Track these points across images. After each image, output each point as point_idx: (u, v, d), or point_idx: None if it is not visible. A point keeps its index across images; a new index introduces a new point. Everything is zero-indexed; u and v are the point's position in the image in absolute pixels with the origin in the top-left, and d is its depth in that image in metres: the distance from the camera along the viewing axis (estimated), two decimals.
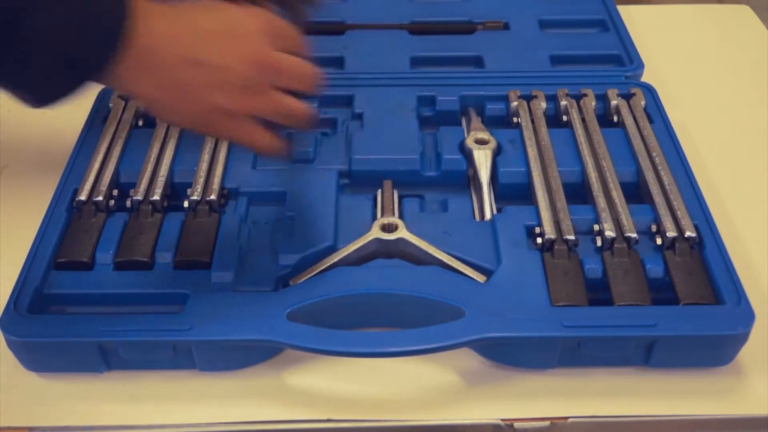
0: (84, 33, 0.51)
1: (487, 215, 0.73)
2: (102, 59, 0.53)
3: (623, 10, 1.01)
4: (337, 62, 0.92)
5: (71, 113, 0.84)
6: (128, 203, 0.72)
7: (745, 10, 1.09)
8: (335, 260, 0.67)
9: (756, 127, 0.89)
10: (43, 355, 0.63)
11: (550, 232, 0.68)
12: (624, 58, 0.92)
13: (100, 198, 0.72)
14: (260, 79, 0.58)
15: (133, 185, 0.73)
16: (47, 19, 0.50)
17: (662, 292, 0.66)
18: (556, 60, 0.92)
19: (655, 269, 0.66)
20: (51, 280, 0.66)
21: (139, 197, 0.72)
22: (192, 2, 0.58)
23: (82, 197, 0.72)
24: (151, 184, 0.73)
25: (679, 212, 0.69)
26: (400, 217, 0.72)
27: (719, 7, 1.11)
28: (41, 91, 0.53)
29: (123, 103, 0.83)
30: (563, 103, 0.83)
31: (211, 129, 0.60)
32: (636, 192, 0.75)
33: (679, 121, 0.83)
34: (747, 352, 0.64)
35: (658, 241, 0.68)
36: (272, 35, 0.59)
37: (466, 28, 0.98)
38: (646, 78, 0.89)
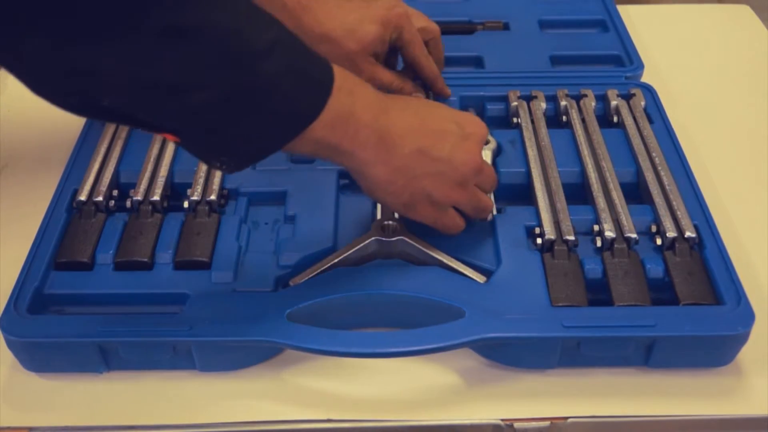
0: (302, 86, 0.54)
1: (487, 215, 0.73)
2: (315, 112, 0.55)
3: (623, 10, 1.01)
4: None
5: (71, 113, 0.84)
6: (128, 203, 0.72)
7: (745, 10, 1.09)
8: (335, 261, 0.67)
9: (756, 127, 0.89)
10: (43, 355, 0.63)
11: (550, 233, 0.68)
12: (624, 59, 0.92)
13: (100, 198, 0.72)
14: (473, 180, 0.65)
15: (133, 185, 0.73)
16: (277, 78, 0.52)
17: (662, 293, 0.66)
18: (556, 60, 0.92)
19: (654, 269, 0.66)
20: (51, 280, 0.66)
21: (139, 198, 0.72)
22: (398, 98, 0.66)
23: (82, 197, 0.72)
24: (151, 184, 0.73)
25: (678, 212, 0.69)
26: (400, 217, 0.72)
27: (719, 7, 1.11)
28: (252, 149, 0.55)
29: None
30: (563, 103, 0.83)
31: (417, 212, 0.65)
32: (636, 192, 0.75)
33: (679, 121, 0.83)
34: (747, 353, 0.64)
35: (658, 241, 0.68)
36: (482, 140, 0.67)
37: (466, 28, 0.98)
38: (646, 78, 0.89)
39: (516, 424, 0.61)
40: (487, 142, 0.78)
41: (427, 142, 0.61)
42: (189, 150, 0.55)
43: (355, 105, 0.57)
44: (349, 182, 0.76)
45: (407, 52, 0.79)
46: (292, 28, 0.54)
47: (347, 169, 0.61)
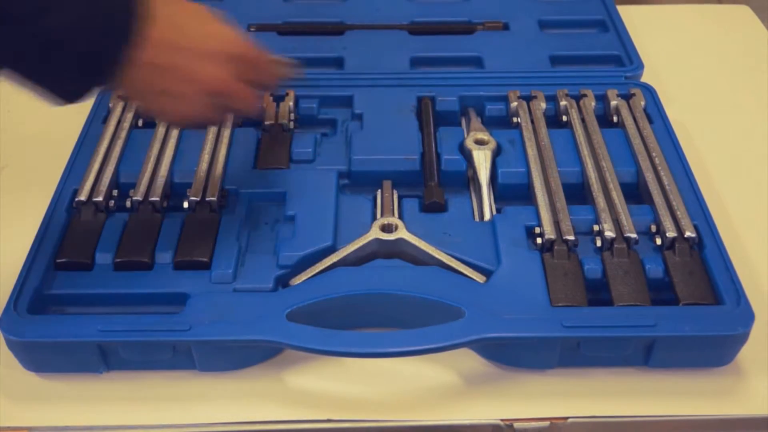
0: (97, 30, 0.57)
1: (487, 216, 0.73)
2: (115, 54, 0.58)
3: (623, 10, 1.01)
4: (337, 62, 0.92)
5: (71, 113, 0.84)
6: (128, 203, 0.72)
7: (745, 10, 1.09)
8: (335, 260, 0.67)
9: (756, 127, 0.89)
10: (42, 355, 0.63)
11: (549, 233, 0.68)
12: (624, 59, 0.92)
13: (100, 198, 0.72)
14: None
15: (133, 185, 0.73)
16: (65, 18, 0.55)
17: (662, 293, 0.66)
18: (555, 60, 0.92)
19: (654, 269, 0.66)
20: (51, 280, 0.66)
21: (139, 197, 0.72)
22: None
23: (82, 197, 0.72)
24: (150, 184, 0.73)
25: (678, 212, 0.69)
26: (400, 217, 0.72)
27: (719, 7, 1.11)
28: (63, 87, 0.58)
29: (123, 103, 0.83)
30: (563, 103, 0.83)
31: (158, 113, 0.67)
32: (636, 192, 0.75)
33: (679, 121, 0.83)
34: (747, 353, 0.64)
35: (658, 241, 0.68)
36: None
37: (466, 29, 0.98)
38: (645, 78, 0.89)
39: (516, 424, 0.61)
40: (486, 142, 0.78)
41: (170, 60, 0.61)
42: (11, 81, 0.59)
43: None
44: (348, 182, 0.77)
45: None
46: None
47: None
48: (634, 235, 0.68)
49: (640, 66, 0.90)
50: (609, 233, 0.68)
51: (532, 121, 0.81)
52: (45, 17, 0.54)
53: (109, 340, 0.62)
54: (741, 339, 0.62)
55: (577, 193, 0.74)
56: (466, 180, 0.78)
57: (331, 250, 0.69)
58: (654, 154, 0.76)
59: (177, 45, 0.61)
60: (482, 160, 0.77)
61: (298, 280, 0.67)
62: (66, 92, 0.59)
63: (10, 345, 0.63)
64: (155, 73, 0.61)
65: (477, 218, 0.73)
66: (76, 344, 0.62)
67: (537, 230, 0.69)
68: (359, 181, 0.76)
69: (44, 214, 0.71)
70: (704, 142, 0.85)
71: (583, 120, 0.81)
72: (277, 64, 0.70)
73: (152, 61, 0.60)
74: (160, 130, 0.79)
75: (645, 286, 0.65)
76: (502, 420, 0.61)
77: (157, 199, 0.72)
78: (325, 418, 0.62)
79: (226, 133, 0.79)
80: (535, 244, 0.68)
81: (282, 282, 0.67)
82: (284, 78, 0.71)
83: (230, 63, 0.64)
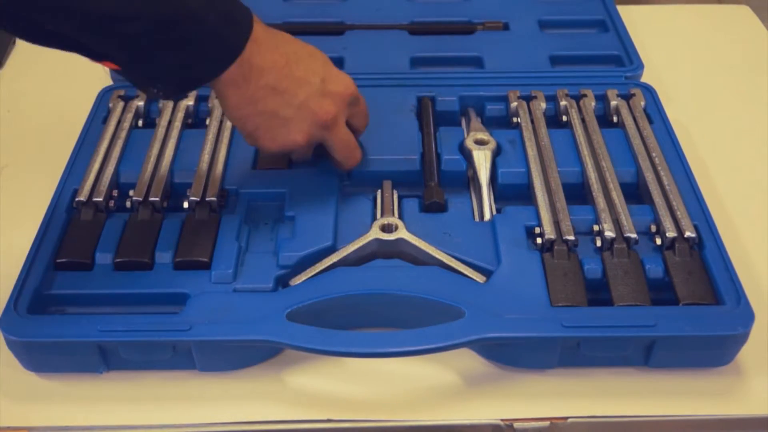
0: (227, 14, 0.61)
1: (487, 216, 0.73)
2: (239, 39, 0.62)
3: (623, 10, 1.01)
4: (337, 62, 0.92)
5: (71, 113, 0.85)
6: (128, 204, 0.72)
7: (745, 10, 1.09)
8: (335, 260, 0.67)
9: (756, 127, 0.89)
10: (42, 355, 0.63)
11: (549, 233, 0.68)
12: (624, 59, 0.92)
13: (100, 198, 0.72)
14: (318, 133, 0.69)
15: (133, 186, 0.73)
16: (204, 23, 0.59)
17: (662, 293, 0.66)
18: (555, 60, 0.92)
19: (654, 269, 0.66)
20: (51, 280, 0.66)
21: (139, 198, 0.72)
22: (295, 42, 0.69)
23: (82, 198, 0.72)
24: (150, 184, 0.73)
25: (678, 212, 0.69)
26: (400, 217, 0.72)
27: (719, 7, 1.11)
28: (181, 81, 0.62)
29: (123, 103, 0.83)
30: (563, 103, 0.83)
31: (259, 144, 0.70)
32: (636, 192, 0.75)
33: (679, 121, 0.83)
34: (747, 353, 0.64)
35: (658, 241, 0.68)
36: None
37: (466, 29, 0.98)
38: (645, 78, 0.89)
39: (516, 424, 0.61)
40: (486, 143, 0.78)
41: (283, 84, 0.65)
42: (127, 78, 0.63)
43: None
44: (349, 182, 0.77)
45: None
46: None
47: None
48: (634, 235, 0.68)
49: (640, 66, 0.90)
50: (609, 233, 0.68)
51: (532, 121, 0.81)
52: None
53: (109, 340, 0.62)
54: (741, 339, 0.62)
55: (577, 193, 0.74)
56: (466, 180, 0.78)
57: (331, 250, 0.69)
58: (654, 154, 0.76)
59: (292, 71, 0.66)
60: (482, 160, 0.77)
61: (298, 280, 0.67)
62: (183, 79, 0.62)
63: (10, 345, 0.63)
64: (270, 92, 0.65)
65: (477, 218, 0.73)
66: (76, 344, 0.62)
67: (537, 230, 0.69)
68: (359, 181, 0.76)
69: (44, 214, 0.71)
70: (704, 142, 0.85)
71: (583, 120, 0.81)
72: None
73: (268, 81, 0.64)
74: (160, 131, 0.79)
75: (645, 286, 0.65)
76: (502, 420, 0.61)
77: (157, 199, 0.72)
78: (325, 418, 0.62)
79: (226, 133, 0.79)
80: (535, 244, 0.68)
81: (282, 282, 0.67)
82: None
83: (344, 104, 0.69)
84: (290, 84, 0.66)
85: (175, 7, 0.57)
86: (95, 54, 0.59)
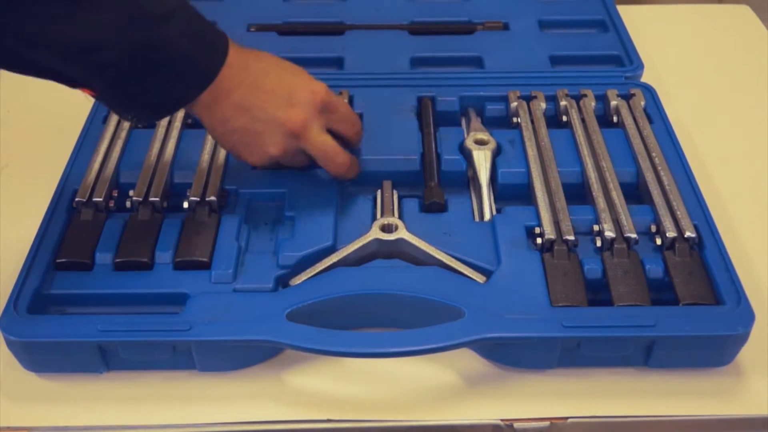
0: (198, 40, 0.62)
1: (487, 216, 0.73)
2: (212, 65, 0.63)
3: (623, 10, 1.01)
4: (337, 62, 0.92)
5: (71, 113, 0.85)
6: (128, 204, 0.72)
7: (745, 10, 1.09)
8: (335, 260, 0.67)
9: (756, 127, 0.89)
10: (42, 355, 0.63)
11: (549, 233, 0.68)
12: (624, 59, 0.92)
13: (100, 198, 0.72)
14: (291, 141, 0.69)
15: (133, 186, 0.73)
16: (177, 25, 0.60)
17: (662, 293, 0.66)
18: (555, 60, 0.92)
19: (654, 269, 0.66)
20: (51, 280, 0.66)
21: (139, 198, 0.72)
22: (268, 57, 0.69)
23: (82, 198, 0.72)
24: (150, 184, 0.73)
25: (678, 212, 0.69)
26: (400, 217, 0.72)
27: (719, 7, 1.11)
28: (159, 98, 0.63)
29: None
30: (563, 103, 0.83)
31: (244, 158, 0.71)
32: (636, 192, 0.75)
33: (679, 121, 0.83)
34: (747, 353, 0.64)
35: (658, 241, 0.68)
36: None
37: (466, 29, 0.98)
38: (645, 78, 0.89)
39: (516, 424, 0.61)
40: (486, 143, 0.78)
41: (249, 100, 0.66)
42: (103, 103, 0.64)
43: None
44: (349, 182, 0.77)
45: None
46: None
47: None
48: (634, 235, 0.68)
49: (640, 66, 0.90)
50: (609, 233, 0.68)
51: (532, 121, 0.81)
52: (163, 24, 0.59)
53: (109, 340, 0.62)
54: (741, 339, 0.62)
55: (577, 193, 0.74)
56: (466, 180, 0.78)
57: (331, 250, 0.69)
58: (654, 154, 0.76)
59: (258, 87, 0.66)
60: (482, 160, 0.77)
61: (298, 280, 0.67)
62: (158, 104, 0.63)
63: (10, 345, 0.63)
64: (238, 110, 0.66)
65: (477, 218, 0.73)
66: (76, 344, 0.62)
67: (537, 230, 0.69)
68: (359, 181, 0.76)
69: (44, 214, 0.71)
70: (704, 142, 0.85)
71: (583, 120, 0.81)
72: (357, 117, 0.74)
73: (235, 100, 0.65)
74: (160, 131, 0.79)
75: (645, 286, 0.65)
76: (502, 420, 0.61)
77: (157, 199, 0.72)
78: (325, 418, 0.62)
79: None
80: (535, 244, 0.68)
81: (282, 282, 0.67)
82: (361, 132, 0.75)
83: (314, 110, 0.69)
84: (256, 99, 0.66)
85: (150, 35, 0.58)
86: (71, 81, 0.60)
